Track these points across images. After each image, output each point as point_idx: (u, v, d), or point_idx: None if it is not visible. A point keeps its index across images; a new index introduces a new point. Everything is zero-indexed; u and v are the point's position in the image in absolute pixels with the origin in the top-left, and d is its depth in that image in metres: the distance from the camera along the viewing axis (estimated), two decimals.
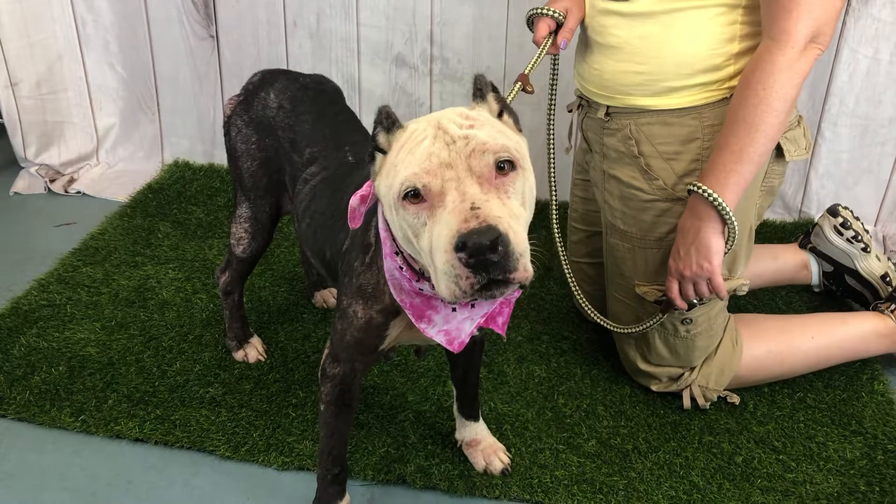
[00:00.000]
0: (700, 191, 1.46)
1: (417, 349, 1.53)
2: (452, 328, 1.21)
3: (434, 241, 0.98)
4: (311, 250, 1.50)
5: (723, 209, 1.45)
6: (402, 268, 1.14)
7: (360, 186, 1.37)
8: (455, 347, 1.22)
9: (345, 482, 1.46)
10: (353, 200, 1.16)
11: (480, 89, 1.10)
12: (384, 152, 1.08)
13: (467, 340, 1.23)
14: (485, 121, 1.06)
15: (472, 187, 0.98)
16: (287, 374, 1.83)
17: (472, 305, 1.19)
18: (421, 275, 1.14)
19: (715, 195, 1.45)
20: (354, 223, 1.16)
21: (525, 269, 0.96)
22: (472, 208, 0.95)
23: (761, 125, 1.41)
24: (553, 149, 1.71)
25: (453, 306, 1.18)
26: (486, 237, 0.92)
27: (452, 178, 0.98)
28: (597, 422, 1.71)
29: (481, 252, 0.93)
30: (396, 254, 1.14)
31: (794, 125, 1.61)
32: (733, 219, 1.46)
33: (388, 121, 1.07)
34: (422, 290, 1.15)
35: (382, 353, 1.34)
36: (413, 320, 1.20)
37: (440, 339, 1.21)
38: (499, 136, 1.03)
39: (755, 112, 1.41)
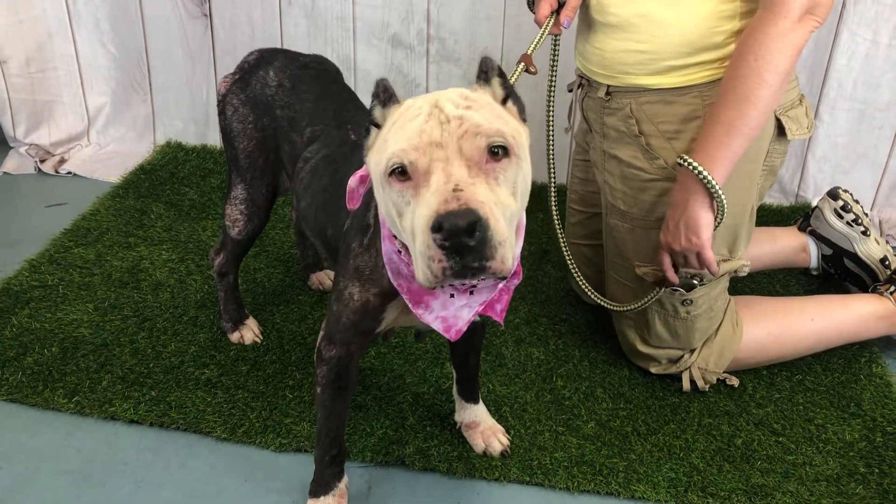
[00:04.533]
0: (687, 164, 1.45)
1: (418, 333, 1.51)
2: (450, 315, 1.19)
3: (415, 220, 0.96)
4: (311, 229, 1.48)
5: (709, 183, 1.44)
6: (399, 251, 1.12)
7: (361, 166, 1.35)
8: (452, 335, 1.20)
9: (343, 464, 1.44)
10: (352, 181, 1.14)
11: (485, 72, 1.07)
12: (379, 126, 1.06)
13: (465, 329, 1.22)
14: (484, 104, 1.03)
15: (459, 169, 0.95)
16: (283, 355, 1.82)
17: (471, 292, 1.17)
18: None
19: (700, 169, 1.44)
20: (353, 204, 1.14)
21: (503, 260, 0.94)
22: (455, 190, 0.92)
23: (751, 97, 1.39)
24: (552, 130, 1.69)
25: (451, 293, 1.16)
26: (464, 219, 0.89)
27: (440, 159, 0.96)
28: (596, 404, 1.71)
29: (457, 234, 0.90)
30: (394, 237, 1.12)
31: (795, 104, 1.60)
32: (720, 193, 1.45)
33: (385, 94, 1.05)
34: None
35: (379, 335, 1.32)
36: (410, 306, 1.18)
37: (437, 325, 1.19)
38: (496, 120, 1.00)
39: (746, 83, 1.39)
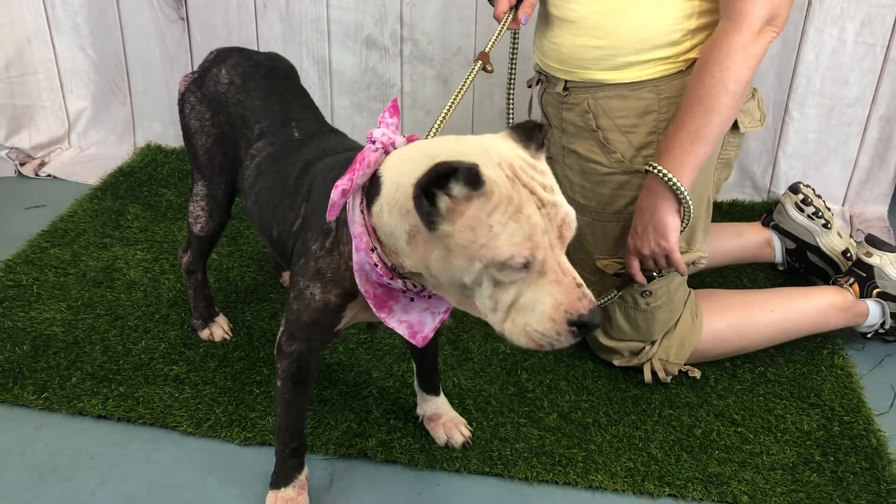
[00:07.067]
0: (656, 171, 1.48)
1: (370, 324, 1.53)
2: (414, 321, 1.22)
3: (529, 303, 1.02)
4: (257, 226, 1.50)
5: (678, 189, 1.47)
6: (376, 265, 1.14)
7: (306, 163, 1.36)
8: (418, 342, 1.23)
9: (303, 456, 1.46)
10: (335, 194, 1.10)
11: (545, 138, 1.11)
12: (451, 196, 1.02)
13: (431, 335, 1.24)
14: (552, 178, 1.08)
15: (563, 258, 1.03)
16: (252, 352, 1.84)
17: (429, 296, 1.20)
18: (393, 271, 1.14)
19: (670, 175, 1.47)
20: (332, 215, 1.12)
21: None
22: (577, 285, 1.02)
23: (717, 106, 1.43)
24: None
25: (411, 297, 1.19)
26: (599, 318, 1.03)
27: (547, 246, 1.01)
28: (559, 396, 1.73)
29: (594, 328, 1.03)
30: (372, 250, 1.14)
31: (748, 97, 1.63)
32: (688, 199, 1.48)
33: (475, 181, 0.99)
34: (389, 283, 1.16)
35: (339, 332, 1.35)
36: (374, 310, 1.21)
37: (402, 331, 1.22)
38: (566, 199, 1.07)
39: (711, 93, 1.43)
